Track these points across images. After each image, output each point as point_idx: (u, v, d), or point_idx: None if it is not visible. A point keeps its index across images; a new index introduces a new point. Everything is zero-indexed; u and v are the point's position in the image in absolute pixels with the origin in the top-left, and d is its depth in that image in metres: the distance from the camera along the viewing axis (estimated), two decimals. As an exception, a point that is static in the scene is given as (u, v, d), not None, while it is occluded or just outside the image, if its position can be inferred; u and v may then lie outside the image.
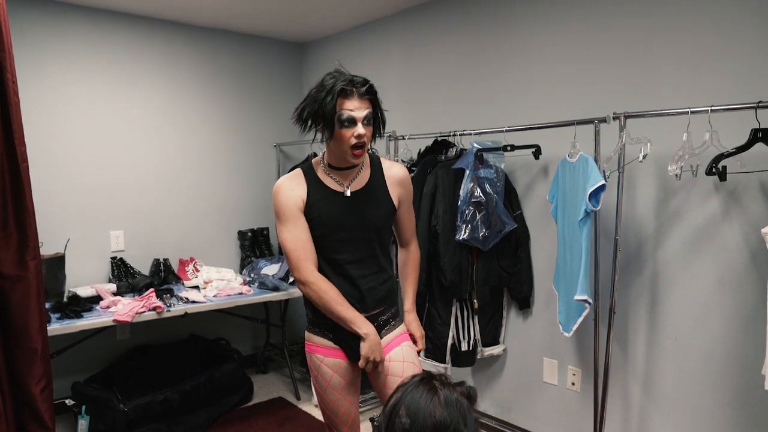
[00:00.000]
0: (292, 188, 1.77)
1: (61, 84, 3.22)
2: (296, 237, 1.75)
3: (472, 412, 1.04)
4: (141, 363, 3.38)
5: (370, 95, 1.69)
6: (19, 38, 2.95)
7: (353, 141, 1.65)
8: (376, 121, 1.72)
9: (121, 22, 3.40)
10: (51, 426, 2.34)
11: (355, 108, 1.65)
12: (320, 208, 1.77)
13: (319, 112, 1.66)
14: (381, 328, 1.86)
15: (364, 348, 1.74)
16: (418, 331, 1.97)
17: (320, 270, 1.80)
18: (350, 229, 1.79)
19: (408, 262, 2.01)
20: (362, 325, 1.75)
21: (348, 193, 1.78)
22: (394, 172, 1.87)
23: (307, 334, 1.90)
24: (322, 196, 1.77)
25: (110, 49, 3.38)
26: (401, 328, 1.92)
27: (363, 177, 1.81)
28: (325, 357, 1.84)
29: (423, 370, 1.12)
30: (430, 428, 0.99)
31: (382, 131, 1.76)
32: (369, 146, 1.75)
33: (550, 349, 2.80)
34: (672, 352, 2.37)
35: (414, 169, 2.92)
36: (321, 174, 1.80)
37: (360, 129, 1.65)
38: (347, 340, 1.80)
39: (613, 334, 2.32)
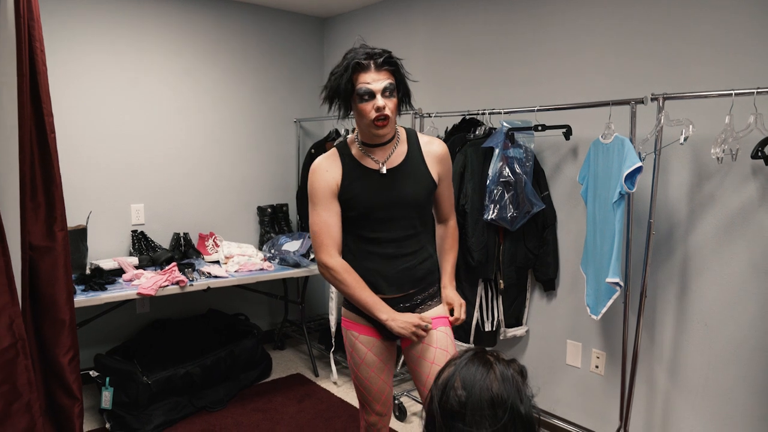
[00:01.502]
0: (327, 169, 1.75)
1: (86, 56, 3.18)
2: (323, 221, 1.75)
3: (527, 389, 1.02)
4: (161, 337, 3.40)
5: (390, 66, 1.64)
6: (45, 8, 2.91)
7: (373, 114, 1.63)
8: (400, 92, 1.67)
9: (143, -7, 3.35)
10: (79, 396, 2.35)
11: (372, 80, 1.61)
12: (355, 188, 1.74)
13: (337, 89, 1.66)
14: (416, 308, 1.84)
15: (395, 331, 1.74)
16: (457, 299, 1.90)
17: (357, 250, 1.78)
18: (388, 208, 1.74)
19: (446, 237, 1.95)
20: (381, 310, 1.74)
21: (384, 171, 1.73)
22: (434, 148, 1.81)
23: (343, 310, 1.89)
24: (357, 176, 1.74)
25: (133, 23, 3.33)
26: (438, 310, 1.87)
27: (399, 153, 1.76)
28: (360, 334, 1.84)
29: (474, 349, 1.10)
30: (486, 401, 0.97)
31: (407, 102, 1.72)
32: (394, 118, 1.68)
33: (574, 332, 2.79)
34: (701, 338, 2.35)
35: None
36: (355, 152, 1.76)
37: (379, 101, 1.61)
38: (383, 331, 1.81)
39: (643, 318, 2.30)
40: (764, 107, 1.95)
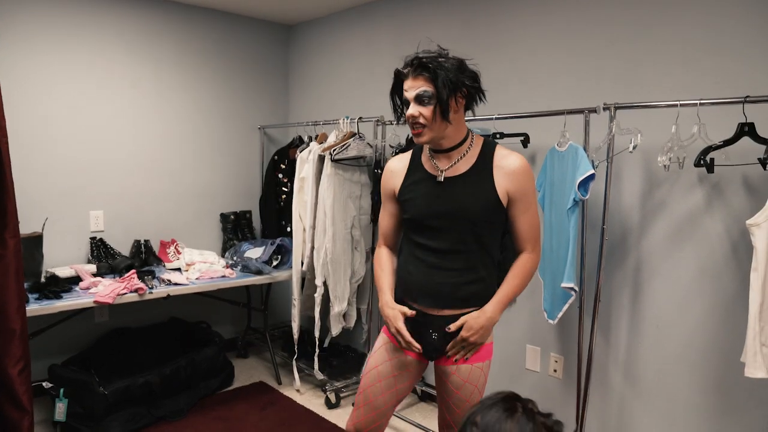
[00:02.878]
0: (392, 170, 1.83)
1: (41, 61, 3.11)
2: (382, 217, 1.91)
3: None
4: (120, 346, 3.33)
5: (425, 71, 1.58)
6: (0, 11, 2.85)
7: (409, 121, 1.64)
8: (444, 97, 1.57)
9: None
10: (29, 408, 2.29)
11: (408, 88, 1.62)
12: (411, 191, 1.75)
13: (392, 97, 1.72)
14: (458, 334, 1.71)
15: (382, 314, 1.77)
16: (474, 325, 1.67)
17: (406, 252, 1.80)
18: (438, 217, 1.68)
19: (514, 265, 1.75)
20: (380, 297, 1.79)
21: (441, 178, 1.69)
22: (506, 162, 1.67)
23: None
24: (416, 179, 1.75)
25: (92, 27, 3.27)
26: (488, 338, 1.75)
27: (466, 162, 1.69)
28: (391, 341, 1.80)
29: (506, 392, 1.10)
30: None
31: (443, 108, 1.58)
32: (434, 125, 1.61)
33: (533, 337, 2.84)
34: (653, 340, 2.42)
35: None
36: (424, 156, 1.77)
37: (411, 109, 1.61)
38: (417, 336, 1.72)
39: (597, 322, 2.36)
40: (707, 118, 2.03)
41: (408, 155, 1.83)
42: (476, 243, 1.69)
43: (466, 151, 1.70)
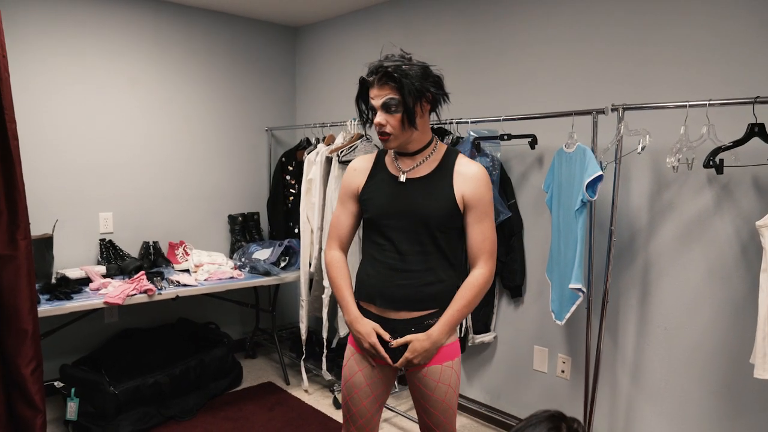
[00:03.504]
0: (356, 169, 1.83)
1: (51, 63, 3.14)
2: (336, 216, 1.87)
3: None
4: (129, 346, 3.36)
5: (390, 80, 1.60)
6: (11, 17, 2.87)
7: (376, 129, 1.66)
8: (410, 104, 1.60)
9: (115, 2, 3.33)
10: (42, 407, 2.32)
11: (375, 96, 1.64)
12: (373, 191, 1.76)
13: (357, 104, 1.73)
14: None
15: (352, 332, 1.76)
16: (418, 346, 1.68)
17: (366, 253, 1.80)
18: (397, 217, 1.70)
19: (462, 285, 1.71)
20: (348, 310, 1.77)
21: (402, 179, 1.71)
22: (465, 169, 1.70)
23: None
24: (380, 179, 1.77)
25: (101, 29, 3.31)
26: (450, 339, 1.74)
27: (427, 166, 1.72)
28: (357, 352, 1.81)
29: (552, 411, 1.11)
30: None
31: (410, 116, 1.61)
32: (400, 133, 1.64)
33: (540, 337, 2.84)
34: (661, 342, 2.41)
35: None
36: (388, 157, 1.79)
37: (378, 117, 1.64)
38: (384, 343, 1.73)
39: (605, 323, 2.36)
40: (716, 118, 2.03)
41: (373, 156, 1.85)
42: (434, 245, 1.70)
43: (429, 155, 1.73)
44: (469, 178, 1.68)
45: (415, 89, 1.60)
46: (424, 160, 1.73)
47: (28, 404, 2.30)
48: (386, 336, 1.72)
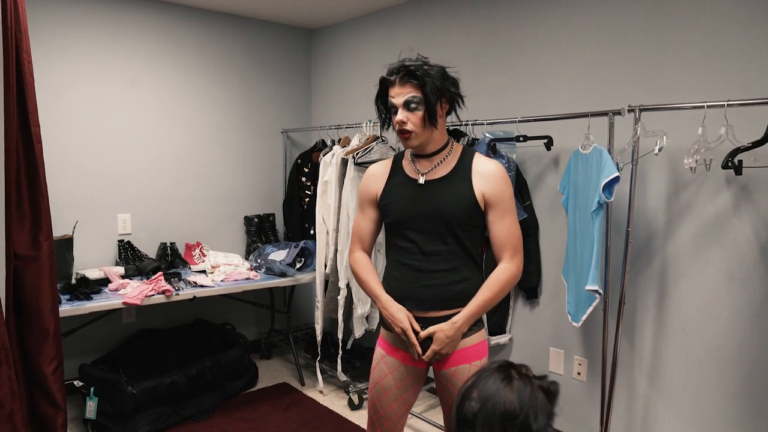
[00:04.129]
0: (374, 175, 1.85)
1: (72, 67, 3.20)
2: (358, 222, 1.89)
3: (547, 408, 1.03)
4: (147, 346, 3.39)
5: (413, 78, 1.63)
6: (33, 20, 2.93)
7: (397, 127, 1.68)
8: (431, 103, 1.63)
9: (130, 6, 3.38)
10: (63, 406, 2.35)
11: (395, 95, 1.66)
12: (392, 195, 1.78)
13: (377, 103, 1.75)
14: None
15: (385, 317, 1.76)
16: (441, 335, 1.68)
17: (390, 258, 1.81)
18: (419, 219, 1.71)
19: (488, 278, 1.71)
20: (379, 298, 1.76)
21: (421, 181, 1.73)
22: (483, 167, 1.71)
23: (381, 329, 1.88)
24: (397, 183, 1.78)
25: (118, 33, 3.36)
26: (476, 338, 1.75)
27: (445, 167, 1.74)
28: (387, 354, 1.81)
29: (500, 361, 1.12)
30: (497, 416, 0.99)
31: (431, 113, 1.64)
32: (422, 131, 1.66)
33: (556, 339, 2.83)
34: (679, 344, 2.40)
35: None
36: (405, 160, 1.81)
37: (399, 115, 1.65)
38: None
39: (622, 324, 2.34)
40: (735, 119, 2.01)
41: (389, 161, 1.86)
42: (457, 244, 1.71)
43: (447, 156, 1.75)
44: (488, 176, 1.70)
45: (437, 88, 1.64)
46: (441, 162, 1.74)
47: (50, 402, 2.33)
48: (416, 326, 1.72)
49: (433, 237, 1.71)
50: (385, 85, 1.71)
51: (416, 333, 1.71)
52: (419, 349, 1.71)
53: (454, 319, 1.69)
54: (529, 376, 1.07)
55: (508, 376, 1.05)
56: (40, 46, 3.05)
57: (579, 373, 2.74)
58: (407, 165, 1.80)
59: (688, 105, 2.09)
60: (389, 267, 1.83)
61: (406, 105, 1.64)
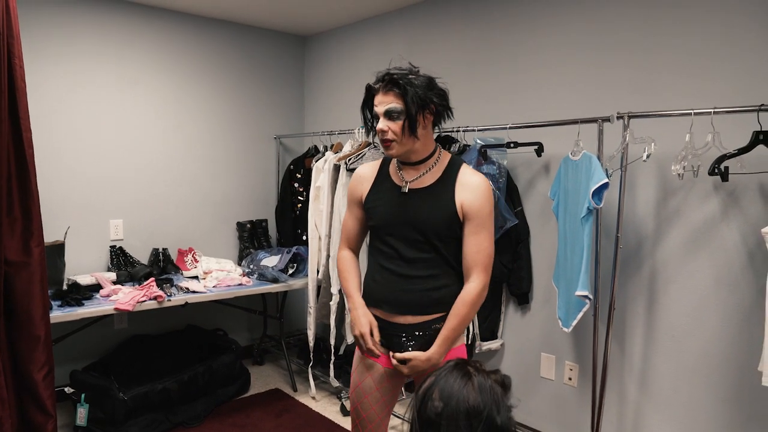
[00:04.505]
0: (361, 177, 1.87)
1: (63, 72, 3.20)
2: (345, 221, 1.93)
3: (506, 400, 1.05)
4: (139, 352, 3.38)
5: (395, 87, 1.63)
6: (27, 26, 2.93)
7: (379, 136, 1.69)
8: (413, 112, 1.63)
9: (124, 11, 3.39)
10: (53, 413, 2.34)
11: (378, 103, 1.67)
12: (376, 200, 1.79)
13: (363, 110, 1.76)
14: (433, 339, 1.73)
15: (351, 321, 1.80)
16: (418, 359, 1.70)
17: (372, 261, 1.83)
18: (401, 226, 1.73)
19: (455, 302, 1.71)
20: (351, 299, 1.80)
21: (405, 189, 1.74)
22: (468, 179, 1.71)
23: None
24: (384, 189, 1.79)
25: (113, 39, 3.36)
26: (456, 343, 1.75)
27: (431, 176, 1.74)
28: (366, 358, 1.82)
29: (455, 360, 1.13)
30: (462, 413, 1.00)
31: (411, 123, 1.64)
32: (403, 140, 1.66)
33: (547, 345, 2.84)
34: (669, 349, 2.41)
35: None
36: (392, 166, 1.82)
37: (380, 124, 1.66)
38: (392, 347, 1.78)
39: (612, 330, 2.36)
40: (722, 126, 2.04)
41: (377, 164, 1.87)
42: (436, 253, 1.72)
43: (433, 165, 1.75)
44: (471, 188, 1.70)
45: (419, 98, 1.63)
46: (427, 171, 1.75)
47: (40, 409, 2.32)
48: (377, 335, 1.77)
49: (412, 245, 1.73)
50: (371, 93, 1.71)
51: (389, 351, 1.77)
52: (378, 351, 1.76)
53: (430, 354, 1.70)
54: (486, 371, 1.09)
55: (467, 374, 1.06)
56: (35, 52, 3.05)
57: (570, 379, 2.75)
58: (393, 171, 1.81)
59: (676, 112, 2.11)
60: (371, 269, 1.84)
61: (388, 114, 1.65)
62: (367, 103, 1.74)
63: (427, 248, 1.72)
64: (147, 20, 3.49)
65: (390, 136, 1.66)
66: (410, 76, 1.66)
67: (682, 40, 2.31)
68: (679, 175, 2.06)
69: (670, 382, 2.42)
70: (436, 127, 1.78)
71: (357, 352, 1.87)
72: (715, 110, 1.99)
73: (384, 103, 1.66)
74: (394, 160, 1.82)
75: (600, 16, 2.55)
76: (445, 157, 1.79)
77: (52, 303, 2.70)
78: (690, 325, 2.34)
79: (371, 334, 1.76)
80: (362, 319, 1.77)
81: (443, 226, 1.70)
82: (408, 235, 1.73)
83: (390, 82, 1.65)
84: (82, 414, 2.75)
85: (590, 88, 2.60)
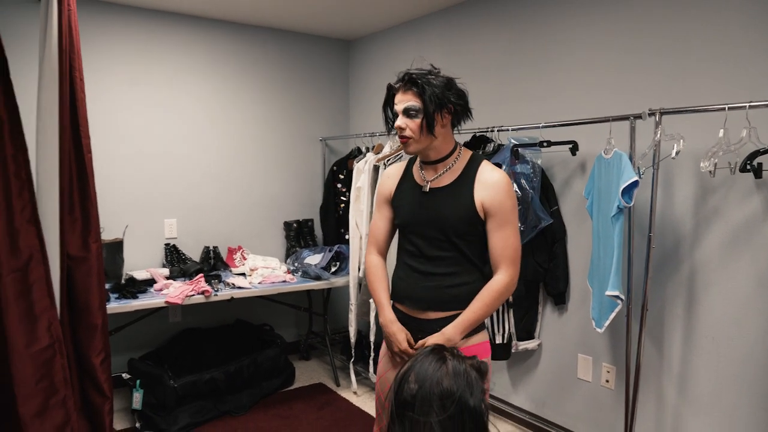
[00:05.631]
0: (389, 176, 1.93)
1: (120, 81, 3.45)
2: (374, 222, 1.97)
3: (480, 384, 1.10)
4: (190, 344, 3.59)
5: (413, 86, 1.68)
6: (86, 39, 3.18)
7: (397, 133, 1.75)
8: (430, 111, 1.67)
9: (176, 22, 3.61)
10: (109, 395, 2.54)
11: (398, 101, 1.73)
12: (401, 199, 1.86)
13: (384, 109, 1.81)
14: None
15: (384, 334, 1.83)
16: (434, 339, 1.72)
17: (399, 258, 1.88)
18: (423, 225, 1.78)
19: (482, 289, 1.74)
20: (381, 312, 1.84)
21: (426, 188, 1.79)
22: (487, 176, 1.74)
23: None
24: (406, 188, 1.86)
25: (166, 48, 3.59)
26: (476, 339, 1.78)
27: (450, 175, 1.78)
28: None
29: (431, 345, 1.19)
30: (436, 395, 1.06)
31: (429, 121, 1.68)
32: (420, 138, 1.70)
33: (585, 346, 2.80)
34: (709, 353, 2.34)
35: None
36: (415, 166, 1.87)
37: (398, 121, 1.72)
38: (415, 342, 1.82)
39: (647, 331, 2.31)
40: (758, 121, 1.97)
41: (403, 164, 1.92)
42: (456, 250, 1.76)
43: (452, 164, 1.78)
44: (490, 185, 1.73)
45: (436, 97, 1.68)
46: (446, 170, 1.79)
47: (98, 391, 2.53)
48: (415, 346, 1.78)
49: (434, 242, 1.77)
50: (391, 92, 1.77)
51: (421, 329, 1.79)
52: None
53: (444, 330, 1.72)
54: (462, 356, 1.13)
55: (442, 358, 1.11)
56: (93, 64, 3.31)
57: (607, 381, 2.70)
58: (416, 171, 1.86)
59: (711, 107, 2.05)
60: (397, 266, 1.90)
61: (406, 112, 1.70)
62: (388, 102, 1.80)
63: (447, 246, 1.77)
64: (197, 30, 3.70)
65: (408, 133, 1.72)
66: (429, 76, 1.71)
67: (713, 33, 2.23)
68: (710, 172, 2.01)
69: (710, 387, 2.34)
70: (456, 128, 1.82)
71: (383, 346, 1.94)
72: (751, 104, 1.93)
73: (403, 101, 1.71)
74: (418, 160, 1.87)
75: (632, 15, 2.50)
76: (465, 155, 1.82)
77: (111, 295, 2.92)
78: (732, 328, 2.26)
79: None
80: (399, 335, 1.78)
81: (463, 224, 1.74)
82: (429, 234, 1.78)
83: (409, 81, 1.70)
84: (137, 398, 2.96)
85: (624, 84, 2.56)
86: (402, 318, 1.84)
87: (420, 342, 1.77)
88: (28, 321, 2.23)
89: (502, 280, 1.73)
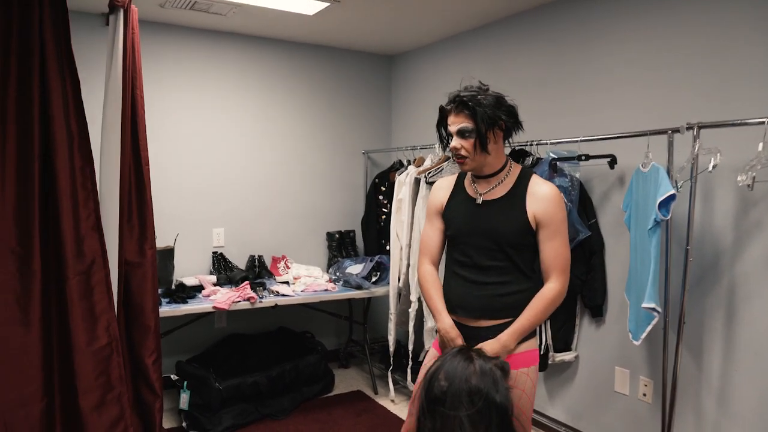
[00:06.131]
0: (440, 189, 2.02)
1: (177, 99, 3.66)
2: (426, 233, 2.03)
3: (504, 382, 1.17)
4: (235, 349, 3.73)
5: (465, 109, 1.77)
6: (147, 61, 3.39)
7: (453, 153, 1.84)
8: (482, 131, 1.75)
9: (227, 41, 3.81)
10: (160, 393, 2.69)
11: (451, 123, 1.83)
12: (453, 211, 1.95)
13: (438, 128, 1.91)
14: None
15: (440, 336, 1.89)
16: (488, 346, 1.77)
17: (448, 268, 1.96)
18: (476, 236, 1.85)
19: (534, 297, 1.82)
20: (439, 318, 1.91)
21: (479, 201, 1.88)
22: (538, 189, 1.82)
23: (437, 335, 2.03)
24: (459, 200, 1.95)
25: (216, 66, 3.79)
26: (526, 346, 1.84)
27: (503, 188, 1.86)
28: (437, 353, 1.95)
29: (458, 346, 1.27)
30: (465, 392, 1.14)
31: (482, 141, 1.76)
32: (475, 156, 1.80)
33: (622, 359, 2.79)
34: (751, 368, 2.31)
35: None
36: (467, 179, 1.97)
37: (453, 142, 1.82)
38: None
39: (685, 345, 2.30)
40: (799, 135, 1.96)
41: (454, 177, 2.00)
42: (508, 260, 1.83)
43: (504, 178, 1.87)
44: (541, 198, 1.81)
45: (488, 117, 1.76)
46: (499, 183, 1.87)
47: (150, 389, 2.68)
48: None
49: (486, 253, 1.85)
50: (443, 113, 1.87)
51: (474, 337, 1.85)
52: None
53: (500, 336, 1.80)
54: (487, 357, 1.21)
55: (468, 358, 1.19)
56: (150, 83, 3.52)
57: (645, 395, 2.69)
58: (468, 184, 1.94)
59: (750, 121, 2.06)
60: (447, 276, 1.98)
61: (460, 133, 1.80)
62: (442, 123, 1.90)
63: (500, 256, 1.84)
64: (244, 47, 3.88)
65: (463, 153, 1.81)
66: (479, 97, 1.79)
67: (753, 46, 2.23)
68: (748, 186, 2.01)
69: (753, 403, 2.30)
70: (507, 141, 1.90)
71: (432, 350, 1.99)
72: (790, 118, 1.93)
73: (456, 123, 1.81)
74: (469, 174, 1.95)
75: (669, 29, 2.52)
76: (516, 169, 1.90)
77: (162, 299, 3.09)
78: (773, 343, 2.23)
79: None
80: (459, 341, 1.86)
81: (516, 234, 1.81)
82: (482, 244, 1.85)
83: (460, 103, 1.79)
84: (184, 399, 3.11)
85: (662, 98, 2.57)
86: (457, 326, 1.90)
87: (476, 347, 1.83)
88: (89, 320, 2.39)
89: (553, 288, 1.80)
